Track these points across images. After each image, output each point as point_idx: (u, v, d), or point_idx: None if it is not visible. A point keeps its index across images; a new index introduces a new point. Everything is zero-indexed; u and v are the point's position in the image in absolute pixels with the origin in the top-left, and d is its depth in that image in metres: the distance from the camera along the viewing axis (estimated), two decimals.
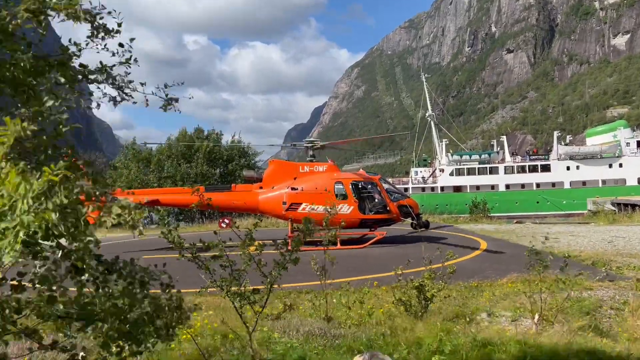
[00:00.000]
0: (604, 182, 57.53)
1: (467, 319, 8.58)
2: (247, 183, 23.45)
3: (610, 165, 58.10)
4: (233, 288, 5.27)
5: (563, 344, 6.63)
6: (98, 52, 2.85)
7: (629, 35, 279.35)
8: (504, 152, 65.04)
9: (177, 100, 3.21)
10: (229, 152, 42.37)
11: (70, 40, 2.68)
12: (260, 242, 5.27)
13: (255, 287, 5.36)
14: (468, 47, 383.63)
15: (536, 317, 7.67)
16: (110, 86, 3.01)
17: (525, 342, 6.62)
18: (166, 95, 3.24)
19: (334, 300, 9.69)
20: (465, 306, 9.53)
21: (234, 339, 6.88)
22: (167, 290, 3.25)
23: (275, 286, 5.54)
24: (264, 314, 5.54)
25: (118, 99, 3.03)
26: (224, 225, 30.15)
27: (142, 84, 3.13)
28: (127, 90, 3.09)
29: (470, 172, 61.88)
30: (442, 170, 63.81)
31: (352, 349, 6.70)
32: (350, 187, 20.87)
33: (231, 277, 5.15)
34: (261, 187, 21.32)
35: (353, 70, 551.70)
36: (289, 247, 5.37)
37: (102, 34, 2.72)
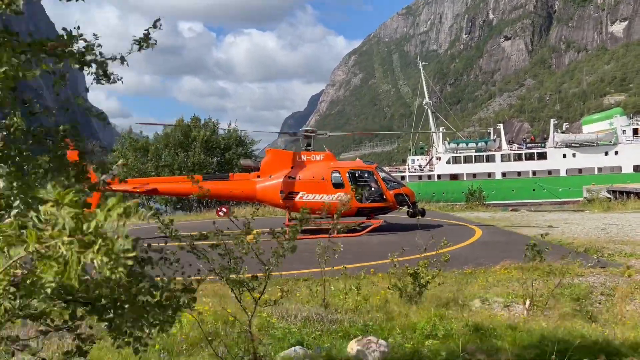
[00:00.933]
0: (599, 169, 57.84)
1: (461, 305, 8.80)
2: (245, 172, 23.60)
3: (606, 153, 58.38)
4: (232, 276, 5.44)
5: (552, 328, 6.85)
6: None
7: (626, 23, 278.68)
8: (500, 140, 65.24)
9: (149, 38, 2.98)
10: (226, 140, 42.41)
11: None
12: (259, 230, 5.44)
13: (253, 274, 5.53)
14: (465, 35, 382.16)
15: (527, 302, 7.89)
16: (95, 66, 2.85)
17: (516, 327, 6.83)
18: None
19: (332, 288, 9.90)
20: (459, 292, 9.74)
21: (233, 324, 7.08)
22: (172, 263, 3.41)
23: (275, 273, 5.72)
24: (263, 300, 5.72)
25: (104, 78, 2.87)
26: (222, 214, 30.37)
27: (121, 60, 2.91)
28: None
29: (467, 160, 62.11)
30: (439, 159, 64.02)
31: (348, 334, 6.91)
32: (347, 175, 21.04)
33: (230, 265, 5.32)
34: (259, 176, 21.47)
35: (350, 57, 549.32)
36: (286, 236, 5.54)
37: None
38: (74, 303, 2.93)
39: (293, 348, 6.28)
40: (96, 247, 1.63)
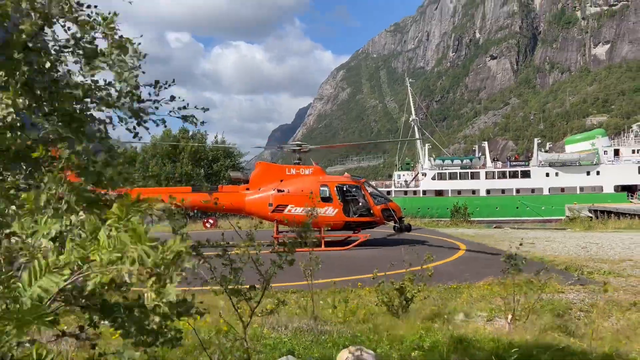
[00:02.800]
0: (581, 189, 58.93)
1: (446, 318, 9.09)
2: (234, 184, 23.80)
3: (588, 173, 59.53)
4: (230, 286, 5.67)
5: (533, 341, 7.17)
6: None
7: (609, 45, 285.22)
8: (485, 158, 66.20)
9: (193, 117, 3.30)
10: (214, 152, 42.58)
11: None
12: (259, 242, 5.70)
13: (251, 284, 5.77)
14: (452, 53, 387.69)
15: (509, 316, 8.20)
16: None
17: (498, 339, 7.14)
18: (183, 115, 3.29)
19: (321, 302, 10.13)
20: (444, 306, 10.04)
21: (227, 333, 7.29)
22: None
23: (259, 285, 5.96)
24: (258, 310, 5.95)
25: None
26: (209, 225, 30.51)
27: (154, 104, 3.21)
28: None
29: (452, 176, 62.90)
30: (424, 174, 64.73)
31: (337, 344, 7.15)
32: (335, 190, 21.36)
33: (231, 275, 5.55)
34: (248, 189, 21.70)
35: (338, 72, 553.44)
36: (276, 248, 5.79)
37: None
38: (90, 309, 3.17)
39: (285, 357, 6.50)
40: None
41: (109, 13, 2.80)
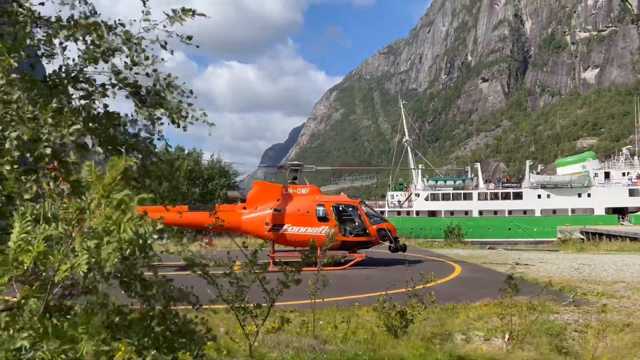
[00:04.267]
0: (573, 211, 59.43)
1: (444, 338, 9.22)
2: (230, 203, 23.90)
3: (580, 195, 60.11)
4: (236, 305, 5.81)
5: None
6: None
7: (598, 70, 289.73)
8: (477, 179, 66.71)
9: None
10: (209, 171, 42.67)
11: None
12: (264, 262, 5.85)
13: (257, 303, 5.91)
14: (444, 75, 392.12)
15: (506, 336, 8.35)
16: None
17: (495, 359, 7.28)
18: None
19: (321, 322, 10.22)
20: (442, 327, 10.17)
21: (229, 353, 7.37)
22: (196, 307, 3.82)
23: (264, 304, 6.09)
24: (264, 328, 6.07)
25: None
26: (204, 245, 30.48)
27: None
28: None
29: (445, 197, 63.25)
30: (417, 195, 65.05)
31: None
32: (332, 209, 21.52)
33: (237, 293, 5.69)
34: (244, 208, 21.80)
35: (332, 93, 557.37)
36: (271, 268, 5.95)
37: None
38: (113, 330, 3.32)
39: None
40: None
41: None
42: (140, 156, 3.09)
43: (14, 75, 2.71)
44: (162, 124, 3.39)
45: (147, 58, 2.94)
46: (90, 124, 2.96)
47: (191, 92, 3.08)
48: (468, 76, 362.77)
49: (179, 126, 3.05)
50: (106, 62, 2.90)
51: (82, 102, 2.99)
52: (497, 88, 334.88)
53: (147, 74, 3.00)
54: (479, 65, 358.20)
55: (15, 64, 2.64)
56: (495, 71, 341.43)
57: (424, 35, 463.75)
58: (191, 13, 3.02)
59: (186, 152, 44.68)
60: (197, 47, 3.23)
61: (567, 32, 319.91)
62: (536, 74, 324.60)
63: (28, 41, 2.86)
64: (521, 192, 61.90)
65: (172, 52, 3.27)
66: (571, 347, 8.94)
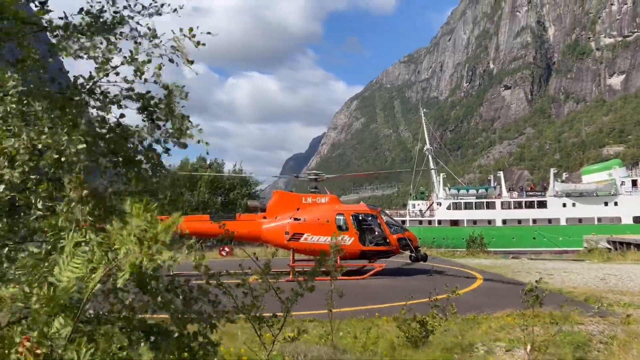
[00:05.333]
0: (599, 219, 58.13)
1: (465, 349, 9.09)
2: (251, 212, 24.05)
3: (606, 204, 58.81)
4: (252, 313, 5.82)
5: None
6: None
7: (624, 76, 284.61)
8: (500, 187, 65.81)
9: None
10: (231, 181, 43.04)
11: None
12: (278, 271, 5.86)
13: (273, 312, 5.91)
14: (466, 83, 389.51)
15: (528, 347, 8.19)
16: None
17: None
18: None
19: (340, 333, 10.17)
20: (463, 337, 10.02)
21: (251, 359, 7.40)
22: (215, 306, 3.89)
23: (280, 314, 6.08)
24: (281, 337, 6.07)
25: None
26: (224, 254, 30.68)
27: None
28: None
29: (468, 206, 62.52)
30: (439, 204, 64.44)
31: None
32: (351, 218, 21.47)
33: (252, 303, 5.70)
34: (265, 217, 21.90)
35: (352, 102, 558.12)
36: (290, 277, 5.96)
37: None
38: (133, 331, 3.41)
39: None
40: None
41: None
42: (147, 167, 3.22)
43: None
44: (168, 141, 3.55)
45: (158, 68, 3.04)
46: (106, 136, 3.06)
47: (186, 94, 3.18)
48: (490, 84, 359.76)
49: (181, 146, 3.18)
50: (117, 74, 3.01)
51: (98, 112, 3.10)
52: (520, 95, 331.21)
53: (155, 81, 3.11)
54: (501, 72, 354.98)
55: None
56: (518, 78, 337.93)
57: (445, 43, 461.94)
58: (195, 41, 3.16)
59: (208, 162, 45.18)
60: (197, 74, 3.37)
61: (592, 38, 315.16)
62: (560, 80, 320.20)
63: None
64: (546, 201, 60.83)
65: (191, 63, 3.39)
66: (596, 359, 8.72)
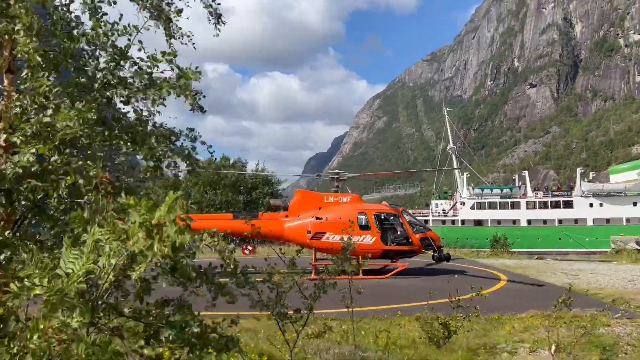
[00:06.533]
0: (628, 220, 56.78)
1: (488, 350, 9.03)
2: (273, 211, 24.20)
3: (635, 204, 57.37)
4: (277, 310, 5.89)
5: None
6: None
7: None
8: (525, 187, 64.78)
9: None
10: (253, 180, 43.35)
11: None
12: (302, 268, 5.93)
13: (296, 308, 5.98)
14: (490, 81, 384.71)
15: (553, 348, 8.09)
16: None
17: None
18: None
19: (362, 332, 10.20)
20: (486, 338, 9.95)
21: (270, 357, 7.49)
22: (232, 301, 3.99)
23: (304, 312, 6.15)
24: (306, 333, 6.13)
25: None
26: (247, 252, 30.94)
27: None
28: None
29: (492, 206, 61.69)
30: (462, 204, 63.74)
31: None
32: (373, 218, 21.43)
33: (277, 299, 5.78)
34: (287, 216, 22.02)
35: (374, 101, 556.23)
36: (312, 276, 6.02)
37: None
38: (151, 325, 3.52)
39: None
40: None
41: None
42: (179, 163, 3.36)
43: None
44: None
45: (174, 54, 3.24)
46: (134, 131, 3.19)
47: (200, 73, 3.42)
48: (515, 82, 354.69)
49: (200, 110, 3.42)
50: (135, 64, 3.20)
51: (124, 107, 3.24)
52: (545, 93, 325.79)
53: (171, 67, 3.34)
54: (527, 70, 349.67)
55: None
56: (543, 76, 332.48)
57: (469, 41, 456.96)
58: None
59: (231, 162, 45.57)
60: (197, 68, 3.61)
61: (620, 35, 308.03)
62: (587, 78, 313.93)
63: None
64: (572, 201, 59.65)
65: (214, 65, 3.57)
66: None
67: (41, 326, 2.55)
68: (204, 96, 3.67)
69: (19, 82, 3.33)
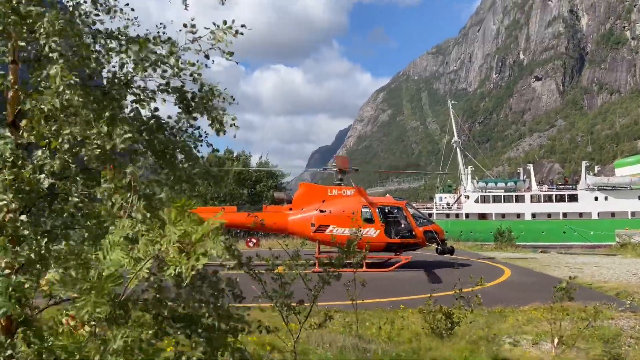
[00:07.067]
0: (633, 214, 56.56)
1: (490, 341, 9.06)
2: (277, 204, 24.27)
3: None
4: (280, 300, 5.94)
5: None
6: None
7: None
8: (530, 181, 64.57)
9: None
10: (257, 173, 43.40)
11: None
12: (306, 260, 5.97)
13: (300, 299, 6.02)
14: (495, 74, 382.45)
15: (555, 340, 8.12)
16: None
17: None
18: None
19: (366, 323, 10.25)
20: (488, 330, 9.99)
21: (273, 349, 7.54)
22: (238, 301, 4.03)
23: (307, 304, 6.20)
24: (308, 323, 6.18)
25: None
26: (252, 245, 31.06)
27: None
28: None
29: (496, 199, 61.57)
30: (467, 197, 63.62)
31: None
32: (377, 211, 21.46)
33: (281, 290, 5.82)
34: (291, 209, 22.07)
35: (379, 94, 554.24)
36: (317, 268, 6.06)
37: None
38: (164, 318, 3.58)
39: None
40: None
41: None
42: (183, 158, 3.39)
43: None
44: (206, 134, 3.73)
45: (191, 64, 3.17)
46: (141, 129, 3.22)
47: (233, 98, 3.35)
48: (520, 75, 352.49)
49: (218, 133, 3.33)
50: (155, 70, 3.15)
51: (134, 105, 3.26)
52: (551, 87, 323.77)
53: (194, 79, 3.25)
54: (532, 63, 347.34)
55: (77, 79, 2.88)
56: (549, 69, 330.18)
57: (474, 34, 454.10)
58: (233, 31, 3.29)
59: (235, 155, 45.63)
60: (237, 62, 3.51)
61: (627, 27, 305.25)
62: (593, 71, 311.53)
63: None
64: (577, 194, 59.43)
65: (212, 61, 3.57)
66: (625, 354, 8.59)
67: (63, 319, 2.61)
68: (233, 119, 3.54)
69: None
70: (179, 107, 3.36)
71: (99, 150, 2.79)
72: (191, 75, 3.34)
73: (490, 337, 9.41)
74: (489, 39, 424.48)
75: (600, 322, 10.52)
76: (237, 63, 3.55)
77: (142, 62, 3.18)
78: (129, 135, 2.78)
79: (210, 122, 3.37)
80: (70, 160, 3.01)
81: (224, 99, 3.32)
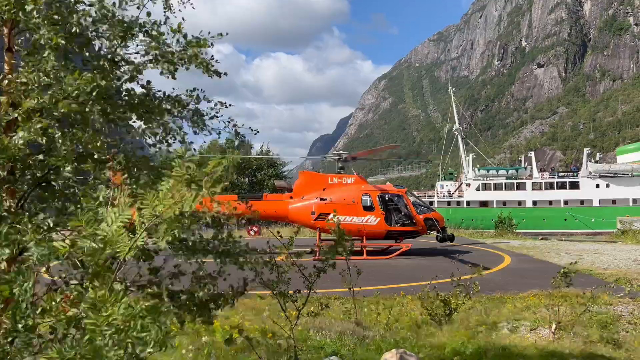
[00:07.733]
0: (635, 201, 56.58)
1: (489, 327, 9.12)
2: (278, 193, 24.30)
3: None
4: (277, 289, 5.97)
5: (578, 351, 7.15)
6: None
7: None
8: (532, 168, 64.51)
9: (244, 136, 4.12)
10: (258, 162, 43.40)
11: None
12: (304, 250, 5.99)
13: (296, 289, 6.06)
14: (497, 61, 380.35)
15: (553, 326, 8.17)
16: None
17: (541, 347, 7.16)
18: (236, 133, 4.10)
19: (365, 309, 10.31)
20: (488, 316, 10.05)
21: (273, 336, 7.59)
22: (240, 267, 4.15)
23: (305, 291, 6.23)
24: (305, 312, 6.22)
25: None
26: (252, 233, 31.18)
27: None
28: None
29: (497, 187, 61.57)
30: (468, 185, 63.63)
31: (380, 348, 7.34)
32: (377, 199, 21.49)
33: (278, 279, 5.85)
34: (291, 197, 22.11)
35: (380, 82, 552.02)
36: (317, 256, 6.07)
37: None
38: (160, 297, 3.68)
39: (329, 358, 6.75)
40: None
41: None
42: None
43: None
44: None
45: (174, 30, 3.32)
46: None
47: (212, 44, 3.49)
48: (522, 62, 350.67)
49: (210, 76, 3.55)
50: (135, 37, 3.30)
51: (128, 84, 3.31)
52: (553, 74, 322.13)
53: (177, 41, 3.41)
54: (534, 50, 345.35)
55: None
56: (551, 56, 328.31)
57: (476, 20, 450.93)
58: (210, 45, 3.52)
59: (240, 140, 45.45)
60: (217, 61, 3.85)
61: (630, 13, 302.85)
62: (596, 57, 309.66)
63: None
64: (578, 182, 59.41)
65: (212, 45, 3.72)
66: (623, 339, 8.64)
67: (58, 299, 2.63)
68: (217, 61, 3.71)
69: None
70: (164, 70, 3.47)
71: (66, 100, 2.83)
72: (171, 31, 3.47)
73: (488, 323, 9.46)
74: (490, 26, 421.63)
75: (599, 308, 10.58)
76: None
77: (121, 25, 3.26)
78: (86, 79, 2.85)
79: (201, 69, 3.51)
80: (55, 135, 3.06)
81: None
